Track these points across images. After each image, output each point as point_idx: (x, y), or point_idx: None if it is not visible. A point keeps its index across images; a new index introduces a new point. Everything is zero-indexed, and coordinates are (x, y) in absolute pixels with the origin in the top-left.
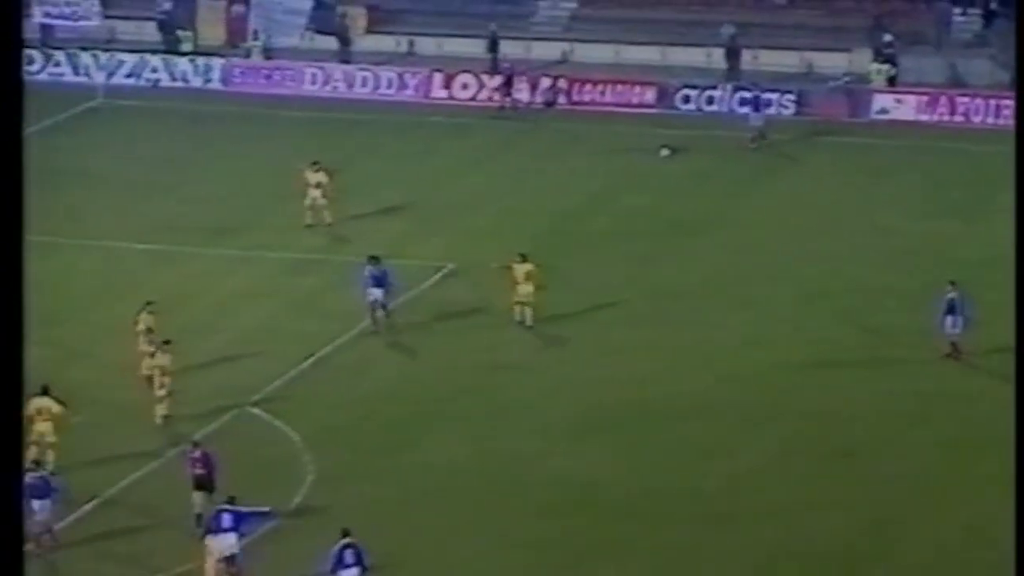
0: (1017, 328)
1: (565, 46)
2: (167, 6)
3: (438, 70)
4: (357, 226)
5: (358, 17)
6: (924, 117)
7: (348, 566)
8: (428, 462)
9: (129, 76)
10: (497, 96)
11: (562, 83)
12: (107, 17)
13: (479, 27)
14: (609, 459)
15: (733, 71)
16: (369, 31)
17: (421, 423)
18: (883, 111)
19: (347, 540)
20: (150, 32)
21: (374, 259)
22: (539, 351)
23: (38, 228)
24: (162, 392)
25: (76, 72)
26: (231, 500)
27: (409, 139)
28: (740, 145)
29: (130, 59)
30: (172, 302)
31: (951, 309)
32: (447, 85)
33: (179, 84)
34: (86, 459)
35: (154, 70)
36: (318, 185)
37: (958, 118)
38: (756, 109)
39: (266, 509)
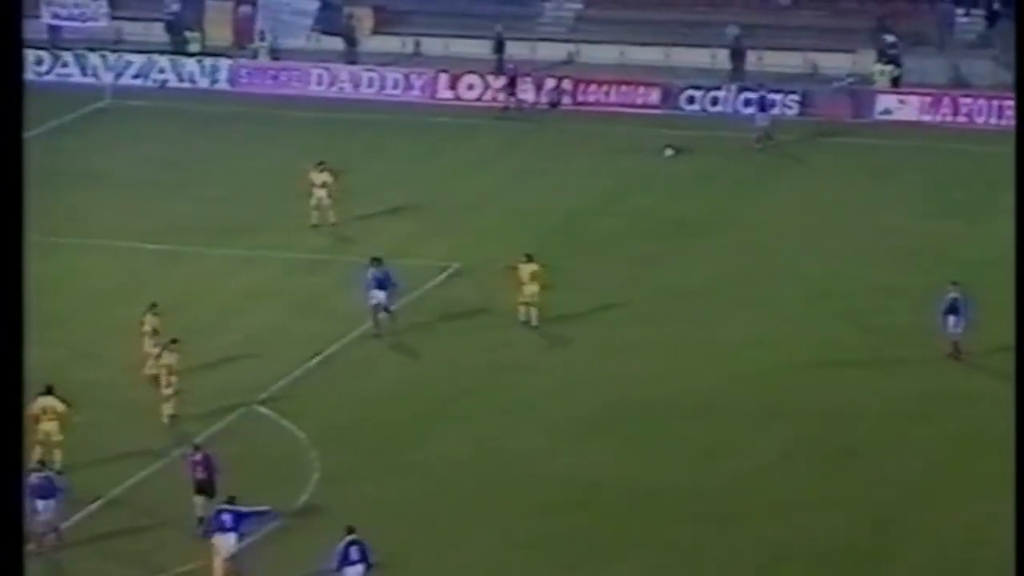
0: (1017, 328)
1: (570, 47)
2: (175, 7)
3: (444, 71)
4: (363, 226)
5: (364, 18)
6: (927, 118)
7: (353, 562)
8: (433, 461)
9: (137, 77)
10: (502, 96)
11: (567, 84)
12: (115, 18)
13: (485, 28)
14: (613, 458)
15: (737, 72)
16: (375, 32)
17: (426, 422)
18: (887, 112)
19: (352, 537)
20: (158, 33)
21: (376, 261)
22: (544, 351)
23: (46, 228)
24: (169, 391)
25: (84, 73)
26: (231, 500)
27: (415, 139)
28: (744, 145)
29: (138, 60)
30: (179, 302)
31: (953, 309)
32: (453, 86)
33: (186, 85)
34: (93, 458)
35: (161, 71)
36: (323, 185)
37: (961, 119)
38: (762, 109)
39: (265, 508)
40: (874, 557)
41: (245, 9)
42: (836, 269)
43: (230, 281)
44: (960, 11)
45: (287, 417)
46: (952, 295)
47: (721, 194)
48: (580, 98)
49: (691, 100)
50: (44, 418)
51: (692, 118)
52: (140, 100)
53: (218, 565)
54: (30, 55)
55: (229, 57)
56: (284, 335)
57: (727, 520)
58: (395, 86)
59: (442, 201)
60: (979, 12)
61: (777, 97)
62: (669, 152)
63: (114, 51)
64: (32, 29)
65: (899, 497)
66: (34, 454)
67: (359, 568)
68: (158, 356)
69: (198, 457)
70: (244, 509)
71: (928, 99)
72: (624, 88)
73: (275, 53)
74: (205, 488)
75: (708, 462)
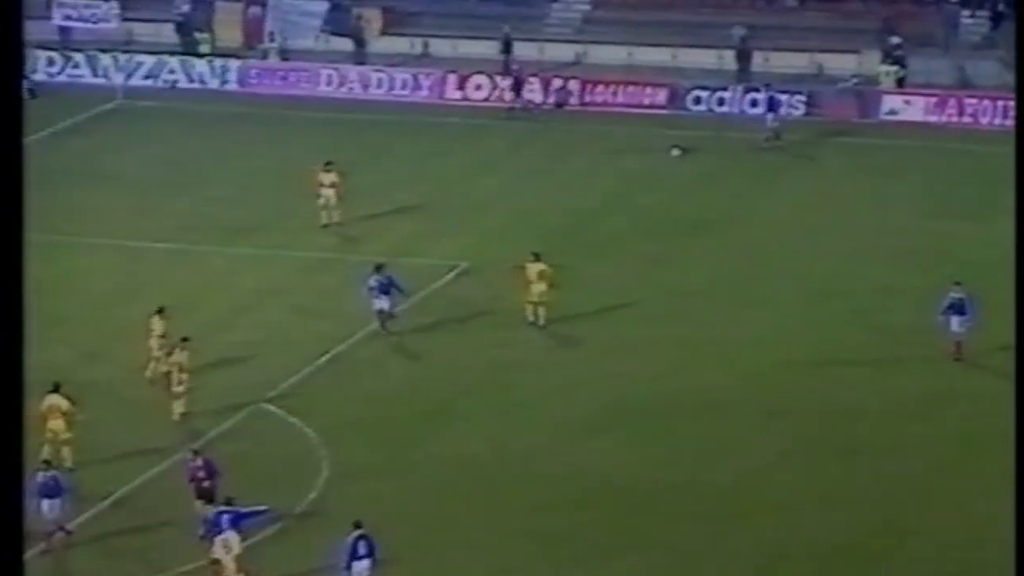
0: (1017, 328)
1: (578, 48)
2: (185, 8)
3: (452, 71)
4: (372, 226)
5: (373, 19)
6: (932, 118)
7: (361, 557)
8: (440, 458)
9: (147, 78)
10: (509, 96)
11: (574, 84)
12: (125, 19)
13: (493, 29)
14: (617, 456)
15: (744, 73)
16: (384, 33)
17: (434, 420)
18: (892, 112)
19: (360, 531)
20: (168, 34)
21: (379, 267)
22: (551, 349)
23: (56, 228)
24: (180, 389)
25: (95, 74)
26: (228, 501)
27: (423, 140)
28: (750, 146)
29: (148, 61)
30: (188, 301)
31: (956, 309)
32: (461, 86)
33: (196, 85)
34: (104, 456)
35: (172, 72)
36: (332, 185)
37: (966, 119)
38: (771, 110)
39: (263, 508)
40: (875, 556)
41: (255, 10)
42: (840, 268)
43: (239, 280)
44: (965, 12)
45: (296, 415)
46: (954, 295)
47: (727, 194)
48: (587, 98)
49: (697, 101)
50: (51, 416)
51: (698, 118)
52: (150, 101)
53: (229, 563)
54: (42, 56)
55: (239, 58)
56: (293, 334)
57: (729, 518)
58: (404, 87)
59: (450, 201)
60: (984, 13)
61: (783, 98)
62: (675, 152)
63: (125, 52)
64: (44, 30)
65: (900, 496)
66: (42, 452)
67: (366, 563)
68: (168, 354)
69: (199, 462)
70: (243, 509)
71: (933, 100)
72: (631, 88)
73: (284, 54)
74: (205, 494)
75: (710, 460)
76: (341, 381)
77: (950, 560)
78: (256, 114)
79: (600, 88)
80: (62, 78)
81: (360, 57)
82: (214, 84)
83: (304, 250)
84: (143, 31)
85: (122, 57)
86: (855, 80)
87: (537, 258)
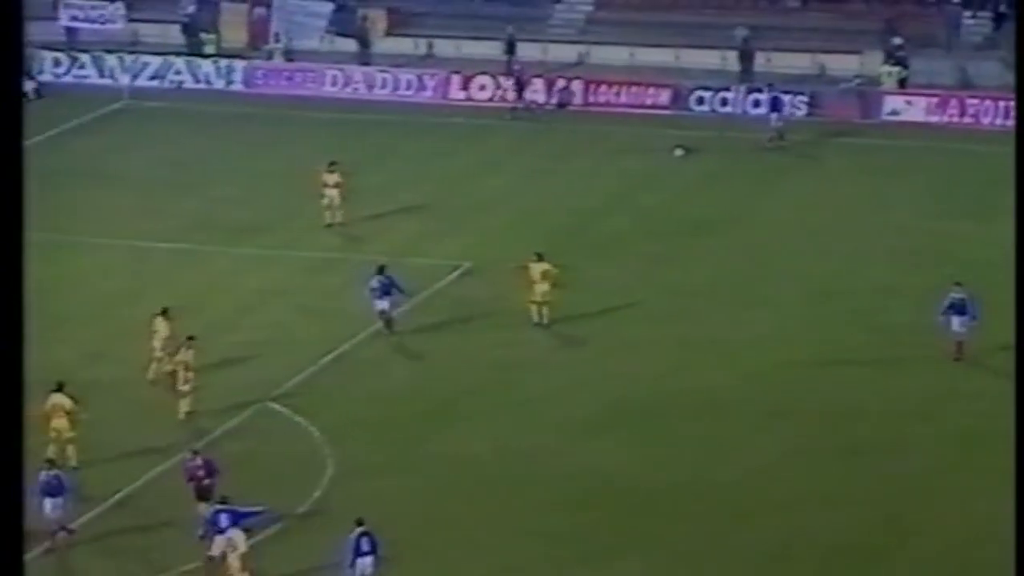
0: (1017, 328)
1: (581, 48)
2: (190, 9)
3: (456, 72)
4: (376, 225)
5: (378, 20)
6: (934, 119)
7: (365, 554)
8: (444, 457)
9: (153, 78)
10: (511, 96)
11: (577, 84)
12: (131, 20)
13: (496, 30)
14: (622, 455)
15: (746, 73)
16: (388, 33)
17: (438, 419)
18: (894, 112)
19: (362, 528)
20: (174, 35)
21: (381, 269)
22: (555, 349)
23: (62, 228)
24: (186, 388)
25: (101, 74)
26: (223, 500)
27: (427, 140)
28: (753, 146)
29: (154, 61)
30: (193, 300)
31: (957, 309)
32: (465, 87)
33: (202, 86)
34: (107, 456)
35: (178, 72)
36: (336, 185)
37: (968, 120)
38: (774, 110)
39: (260, 508)
40: (877, 555)
41: (260, 11)
42: (844, 268)
43: (244, 280)
44: (967, 13)
45: (301, 414)
46: (955, 295)
47: (729, 194)
48: (590, 99)
49: (700, 101)
50: (55, 415)
51: (701, 119)
52: (156, 101)
53: (234, 561)
54: (48, 57)
55: (244, 58)
56: (297, 333)
57: (731, 518)
58: (408, 87)
59: (453, 201)
60: (986, 14)
61: (786, 98)
62: (678, 152)
63: (131, 53)
64: (50, 31)
65: (901, 496)
66: (46, 451)
67: (369, 559)
68: (173, 354)
69: (198, 462)
70: (240, 509)
71: (935, 100)
72: (634, 89)
73: (289, 54)
74: (205, 494)
75: (712, 460)
76: (345, 380)
77: (951, 559)
78: (261, 114)
79: (603, 88)
80: (68, 79)
81: (365, 58)
82: (220, 84)
83: (308, 250)
84: (149, 32)
85: (128, 58)
86: (857, 80)
87: (540, 258)
